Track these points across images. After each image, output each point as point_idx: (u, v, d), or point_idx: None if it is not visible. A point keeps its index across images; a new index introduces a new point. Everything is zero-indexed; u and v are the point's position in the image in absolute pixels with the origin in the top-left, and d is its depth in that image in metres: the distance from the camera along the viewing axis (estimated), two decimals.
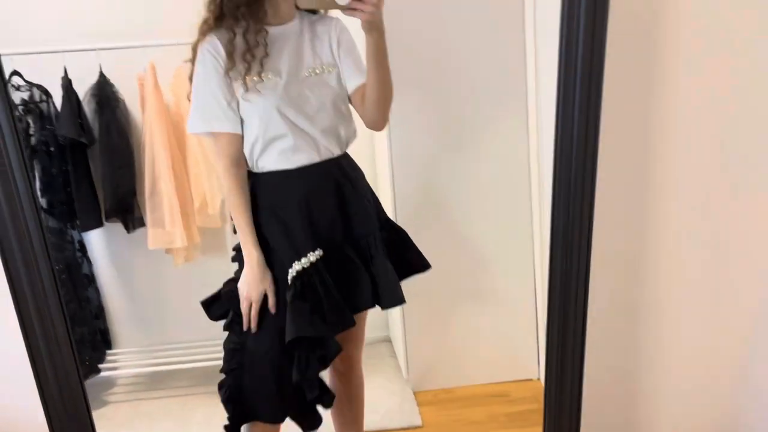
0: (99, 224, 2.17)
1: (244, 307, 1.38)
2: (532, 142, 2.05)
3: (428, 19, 1.98)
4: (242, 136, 1.40)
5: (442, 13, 1.99)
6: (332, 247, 1.42)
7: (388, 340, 2.58)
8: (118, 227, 2.23)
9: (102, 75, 2.11)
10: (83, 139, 2.07)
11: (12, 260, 1.26)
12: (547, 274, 2.02)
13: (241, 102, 1.37)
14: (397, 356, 2.39)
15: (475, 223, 2.14)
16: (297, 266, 1.37)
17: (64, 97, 2.06)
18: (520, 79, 2.04)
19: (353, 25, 1.38)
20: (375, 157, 2.32)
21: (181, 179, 2.15)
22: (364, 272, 1.43)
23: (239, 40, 1.36)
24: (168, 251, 2.24)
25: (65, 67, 2.07)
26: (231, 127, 1.38)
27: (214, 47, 1.36)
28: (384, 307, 1.44)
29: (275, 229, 1.40)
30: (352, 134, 1.49)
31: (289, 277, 1.37)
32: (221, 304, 1.46)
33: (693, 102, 1.51)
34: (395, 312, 2.27)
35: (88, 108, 2.12)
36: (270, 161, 1.40)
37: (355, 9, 1.20)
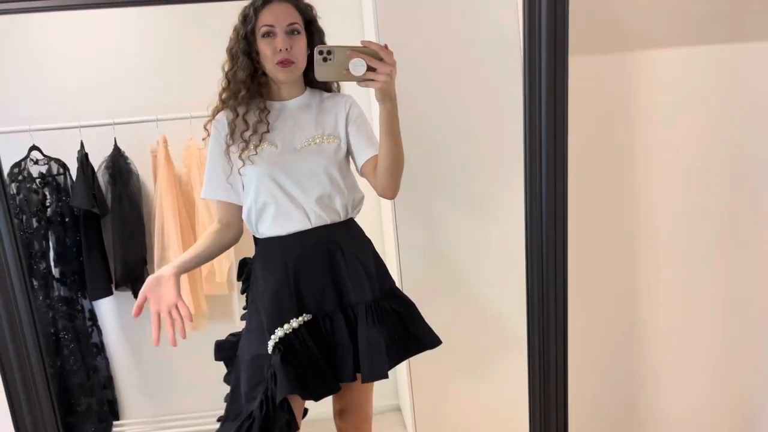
0: (108, 293, 2.20)
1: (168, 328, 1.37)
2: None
3: (433, 90, 2.03)
4: (236, 205, 1.50)
5: (445, 84, 2.04)
6: (322, 313, 1.45)
7: (398, 409, 2.52)
8: (127, 296, 2.25)
9: (116, 147, 2.19)
10: (96, 210, 2.13)
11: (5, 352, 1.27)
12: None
13: (241, 174, 1.46)
14: (406, 426, 2.34)
15: (482, 290, 2.11)
16: (280, 332, 1.40)
17: (78, 170, 2.13)
18: (521, 143, 2.06)
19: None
20: (382, 222, 2.34)
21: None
22: (349, 343, 1.43)
23: (240, 120, 1.45)
24: None
25: (82, 140, 2.15)
26: (224, 196, 1.50)
27: (220, 125, 1.49)
28: (363, 380, 1.42)
29: (266, 295, 1.44)
30: (352, 203, 1.51)
31: (272, 343, 1.40)
32: (222, 350, 1.58)
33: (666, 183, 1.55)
34: (403, 380, 2.24)
35: (102, 179, 2.19)
36: (265, 227, 1.47)
37: (369, 79, 1.27)
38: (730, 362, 1.62)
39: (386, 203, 2.13)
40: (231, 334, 1.58)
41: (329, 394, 1.44)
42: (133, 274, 2.20)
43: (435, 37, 2.02)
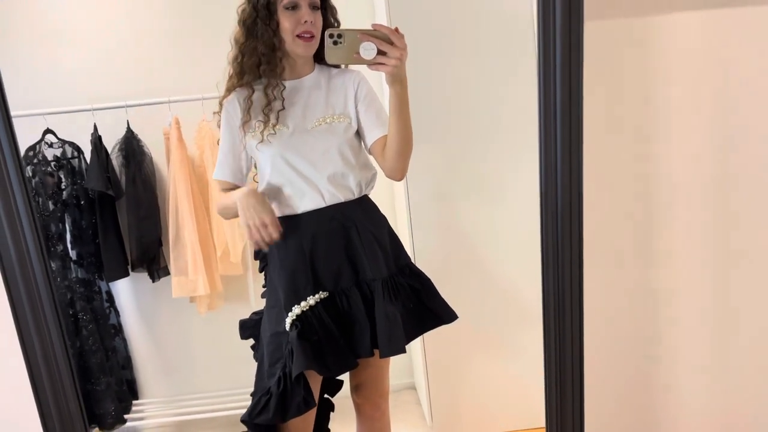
0: (125, 274, 2.22)
1: (255, 236, 1.39)
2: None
3: (447, 71, 2.02)
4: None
5: (459, 64, 2.03)
6: (338, 290, 1.46)
7: (413, 387, 2.54)
8: (143, 277, 2.28)
9: (129, 130, 2.20)
10: (111, 192, 2.14)
11: (22, 312, 1.29)
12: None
13: (257, 153, 1.46)
14: (421, 404, 2.35)
15: (495, 268, 2.11)
16: (297, 309, 1.41)
17: (92, 152, 2.15)
18: (534, 120, 2.05)
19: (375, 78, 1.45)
20: (394, 202, 2.34)
21: (204, 228, 2.20)
22: (366, 319, 1.44)
23: (258, 96, 1.44)
24: (192, 300, 2.27)
25: (95, 123, 2.17)
26: (233, 179, 1.52)
27: (232, 104, 1.48)
28: (381, 355, 1.43)
29: (282, 273, 1.45)
30: (366, 180, 1.50)
31: (289, 320, 1.41)
32: (247, 329, 1.59)
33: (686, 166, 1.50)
34: (418, 359, 2.25)
35: (116, 162, 2.20)
36: (280, 207, 1.47)
37: (380, 63, 1.27)
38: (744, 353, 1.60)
39: (399, 182, 2.13)
40: (254, 313, 1.60)
41: (347, 370, 1.46)
42: (148, 255, 2.22)
43: (446, 17, 2.01)
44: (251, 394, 1.49)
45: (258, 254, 1.58)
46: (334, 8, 1.49)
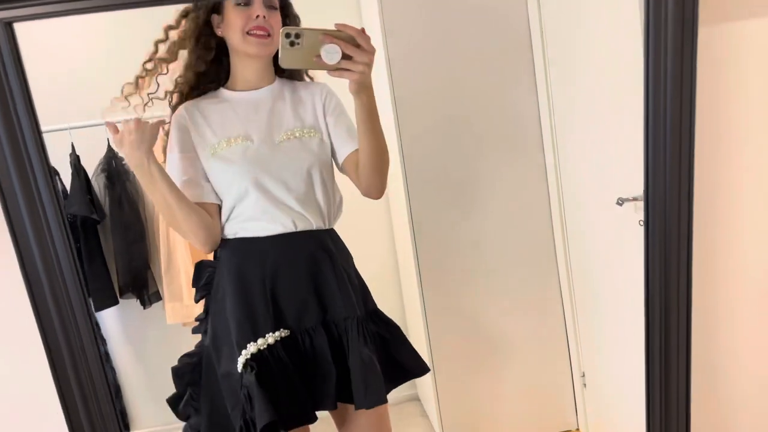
0: (114, 302, 2.09)
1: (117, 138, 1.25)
2: (553, 198, 2.06)
3: (443, 82, 1.98)
4: (216, 205, 1.33)
5: (455, 68, 1.99)
6: (301, 329, 1.28)
7: (416, 399, 2.49)
8: (131, 303, 2.16)
9: (110, 149, 2.07)
10: (95, 216, 2.01)
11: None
12: (578, 320, 1.97)
13: (213, 170, 1.30)
14: (428, 415, 2.30)
15: (503, 276, 2.09)
16: (252, 347, 1.23)
17: (73, 174, 2.02)
18: (536, 135, 2.05)
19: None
20: (393, 227, 2.27)
21: (197, 250, 2.08)
22: (331, 365, 1.25)
23: (203, 112, 1.32)
24: (185, 324, 2.16)
25: (72, 143, 2.03)
26: (214, 197, 1.32)
27: (182, 119, 1.33)
28: (357, 407, 1.23)
29: (236, 304, 1.27)
30: (337, 206, 1.37)
31: (242, 359, 1.23)
32: (182, 375, 1.37)
33: None
34: None
35: (98, 183, 2.07)
36: (238, 227, 1.30)
37: (344, 69, 1.11)
38: None
39: (399, 206, 2.07)
40: (186, 355, 1.38)
41: (302, 425, 1.24)
42: (138, 280, 2.10)
43: (441, 18, 1.96)
44: None
45: (199, 281, 1.38)
46: (298, 17, 1.36)
